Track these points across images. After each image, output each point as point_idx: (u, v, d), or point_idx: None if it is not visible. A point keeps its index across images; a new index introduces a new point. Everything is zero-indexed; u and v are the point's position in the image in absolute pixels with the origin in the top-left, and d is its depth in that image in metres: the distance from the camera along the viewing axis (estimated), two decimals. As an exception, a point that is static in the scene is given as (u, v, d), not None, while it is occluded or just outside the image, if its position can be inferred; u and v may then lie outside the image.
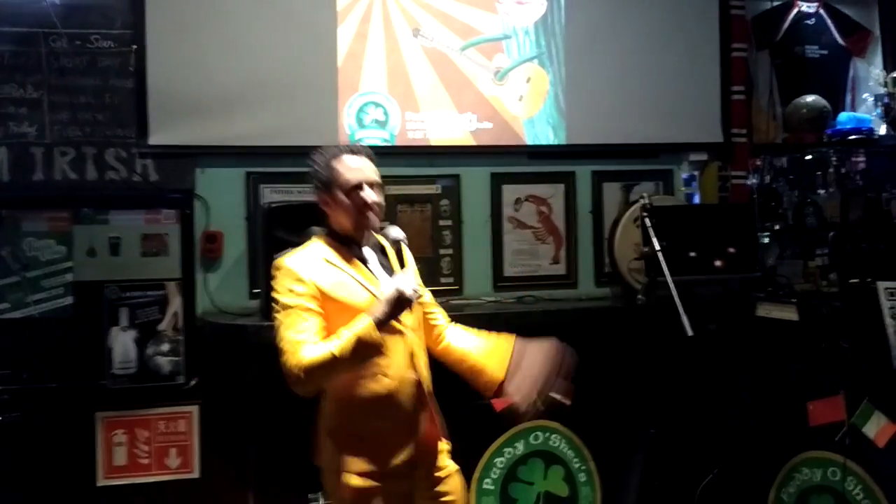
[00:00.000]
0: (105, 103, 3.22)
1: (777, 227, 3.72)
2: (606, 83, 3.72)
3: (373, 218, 2.16)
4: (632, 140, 3.75)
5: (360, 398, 2.12)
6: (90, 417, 3.14)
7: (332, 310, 2.07)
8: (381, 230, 2.27)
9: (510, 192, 3.67)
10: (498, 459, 3.27)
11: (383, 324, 2.03)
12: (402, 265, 2.25)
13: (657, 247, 3.05)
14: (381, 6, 3.48)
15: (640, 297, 3.41)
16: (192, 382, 3.22)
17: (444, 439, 2.28)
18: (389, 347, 2.11)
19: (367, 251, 2.21)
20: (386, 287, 2.09)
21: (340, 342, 1.97)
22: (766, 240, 3.70)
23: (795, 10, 4.07)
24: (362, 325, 2.00)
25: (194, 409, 3.23)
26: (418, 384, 2.18)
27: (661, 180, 3.83)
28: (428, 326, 2.35)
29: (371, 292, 2.13)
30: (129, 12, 3.22)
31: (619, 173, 3.78)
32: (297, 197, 3.34)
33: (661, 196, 3.74)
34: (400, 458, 2.14)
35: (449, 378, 2.36)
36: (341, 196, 2.14)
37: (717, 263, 3.39)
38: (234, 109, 3.31)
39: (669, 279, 2.88)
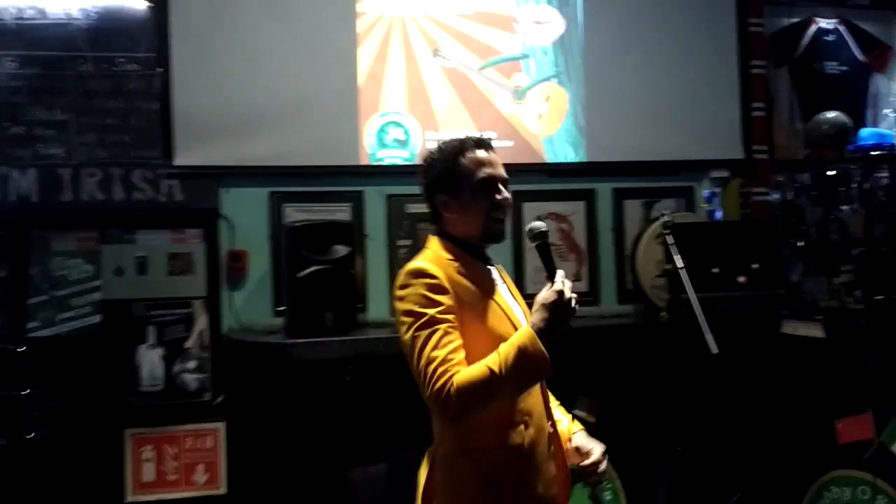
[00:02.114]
0: (131, 125, 3.28)
1: (800, 243, 3.69)
2: (626, 101, 3.73)
3: (505, 223, 1.84)
4: (652, 157, 3.76)
5: (493, 455, 1.74)
6: (119, 434, 3.16)
7: (467, 334, 1.71)
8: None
9: (531, 209, 3.68)
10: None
11: (546, 337, 1.65)
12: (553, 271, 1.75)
13: (679, 264, 3.04)
14: (400, 27, 3.52)
15: (662, 314, 3.39)
16: (219, 399, 3.25)
17: None
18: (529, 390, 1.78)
19: (492, 270, 1.89)
20: (541, 294, 1.71)
21: (498, 357, 1.63)
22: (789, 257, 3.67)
23: (815, 27, 4.08)
24: (523, 336, 1.65)
25: (221, 426, 3.25)
26: (557, 439, 1.87)
27: (682, 197, 3.84)
28: None
29: (507, 316, 1.79)
30: (153, 36, 3.29)
31: (640, 190, 3.79)
32: (319, 216, 3.38)
33: (683, 213, 3.72)
34: None
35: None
36: (470, 196, 1.81)
37: (741, 280, 3.37)
38: (258, 130, 3.35)
39: (692, 296, 2.86)
